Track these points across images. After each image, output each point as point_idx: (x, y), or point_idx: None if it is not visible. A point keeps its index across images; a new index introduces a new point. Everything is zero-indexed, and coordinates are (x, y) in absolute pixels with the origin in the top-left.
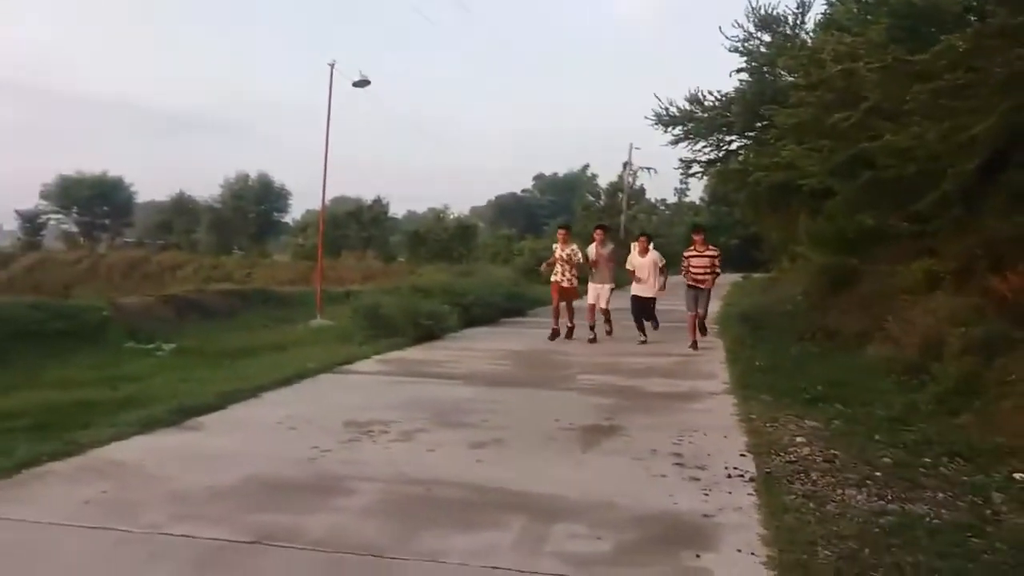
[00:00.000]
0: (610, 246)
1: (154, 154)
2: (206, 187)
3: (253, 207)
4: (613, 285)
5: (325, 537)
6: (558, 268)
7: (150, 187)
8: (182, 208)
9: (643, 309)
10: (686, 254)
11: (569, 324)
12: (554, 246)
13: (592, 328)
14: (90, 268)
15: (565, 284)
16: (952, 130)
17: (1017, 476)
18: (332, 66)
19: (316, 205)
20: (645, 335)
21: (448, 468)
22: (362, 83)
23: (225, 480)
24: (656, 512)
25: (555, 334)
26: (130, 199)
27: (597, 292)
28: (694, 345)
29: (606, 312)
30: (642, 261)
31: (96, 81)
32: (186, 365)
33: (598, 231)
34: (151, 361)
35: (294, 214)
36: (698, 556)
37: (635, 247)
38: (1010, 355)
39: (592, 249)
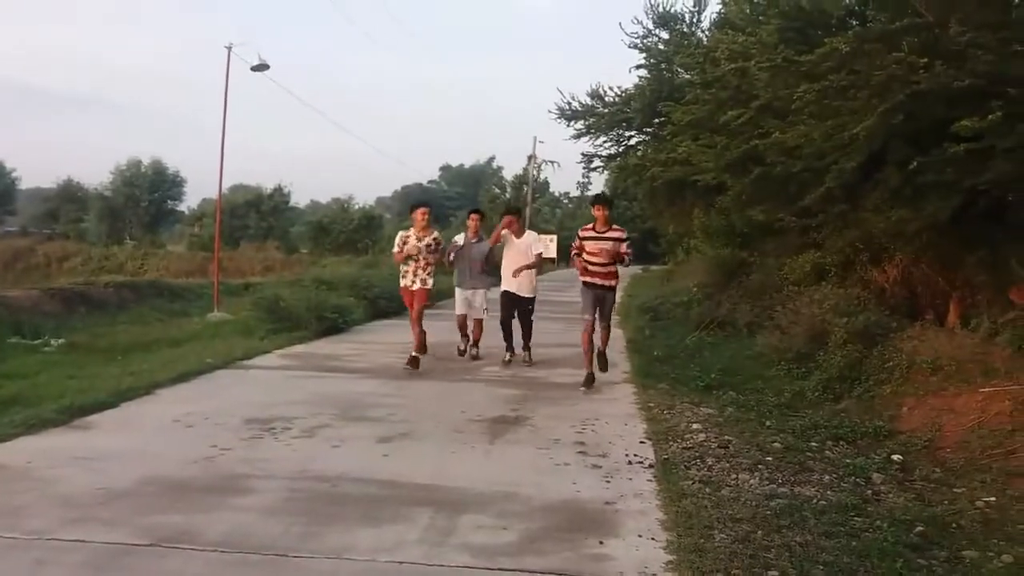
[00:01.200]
0: (486, 242)
1: (39, 138)
2: (96, 174)
3: (146, 195)
4: (488, 290)
5: (226, 538)
6: (410, 265)
7: (35, 173)
8: (70, 195)
9: (518, 312)
10: (581, 234)
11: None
12: (405, 233)
13: (466, 345)
14: None
15: (417, 287)
16: (835, 129)
17: (895, 457)
18: (230, 49)
19: (213, 193)
20: (514, 350)
21: (354, 464)
22: (261, 67)
23: (119, 482)
24: (560, 500)
25: (415, 362)
26: (12, 185)
27: (467, 300)
28: (588, 381)
29: (478, 324)
30: (515, 245)
31: None
32: (76, 361)
33: (473, 217)
34: (38, 357)
35: (190, 202)
36: (601, 543)
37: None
38: (888, 343)
39: (460, 239)
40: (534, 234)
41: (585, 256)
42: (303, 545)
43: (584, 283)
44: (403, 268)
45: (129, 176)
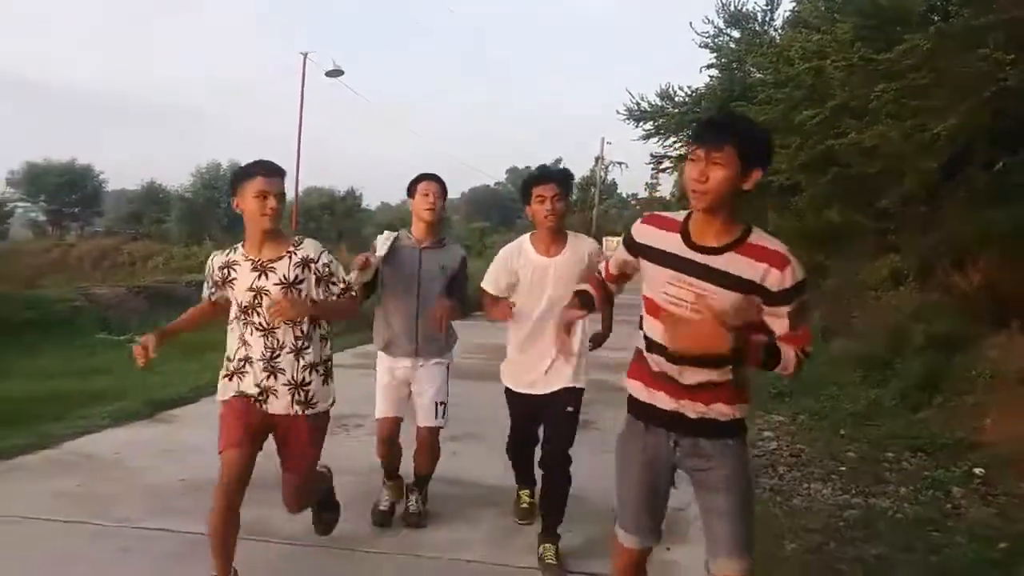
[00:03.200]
0: (455, 250)
1: (125, 142)
2: (177, 176)
3: (225, 197)
4: (450, 362)
5: (301, 531)
6: (251, 339)
7: (120, 176)
8: (153, 197)
9: (547, 424)
10: (639, 237)
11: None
12: (227, 256)
13: (394, 498)
14: (59, 258)
15: (281, 407)
16: (915, 129)
17: (976, 471)
18: (305, 56)
19: (289, 195)
20: (535, 484)
21: None
22: (335, 73)
23: (200, 474)
24: None
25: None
26: (99, 188)
27: (397, 384)
28: None
29: (427, 439)
30: (542, 265)
31: (62, 68)
32: (159, 357)
33: (426, 187)
34: (123, 353)
35: None
36: (668, 549)
37: (524, 243)
38: (970, 351)
39: (383, 241)
40: (589, 242)
41: (647, 318)
42: (374, 540)
43: (633, 408)
44: (232, 346)
45: (209, 179)
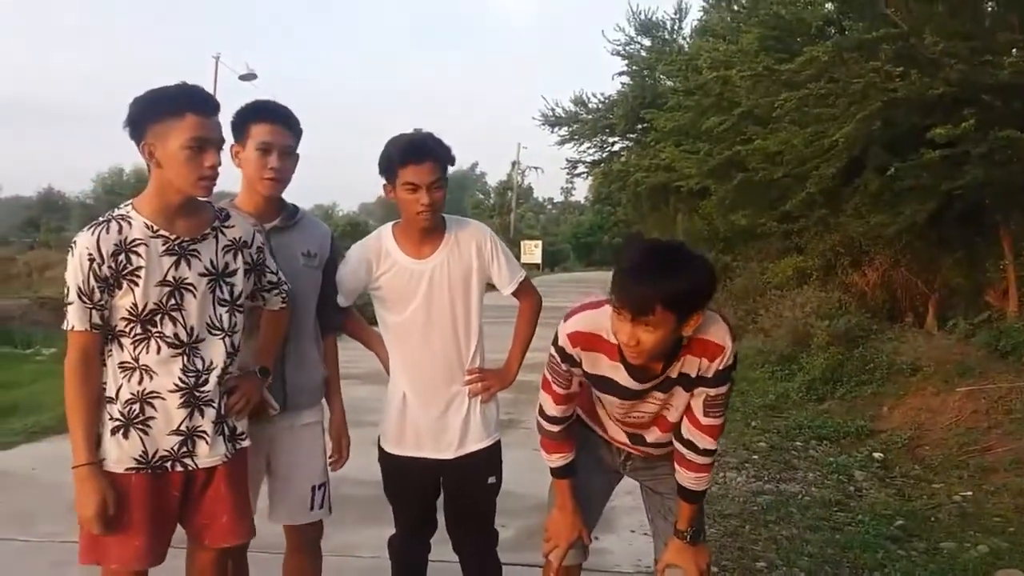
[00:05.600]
0: (310, 224)
1: (20, 148)
2: (77, 182)
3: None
4: (323, 394)
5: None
6: (152, 372)
7: (15, 182)
8: (51, 204)
9: (453, 504)
10: (604, 373)
11: None
12: (106, 237)
13: None
14: None
15: None
16: (816, 135)
17: (876, 455)
18: (217, 59)
19: None
20: None
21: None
22: (248, 77)
23: None
24: None
25: None
26: None
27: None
28: None
29: (307, 543)
30: (414, 272)
31: None
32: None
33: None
34: (31, 367)
35: None
36: (597, 538)
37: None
38: (868, 345)
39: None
40: (475, 228)
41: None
42: None
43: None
44: (114, 380)
45: (111, 184)
